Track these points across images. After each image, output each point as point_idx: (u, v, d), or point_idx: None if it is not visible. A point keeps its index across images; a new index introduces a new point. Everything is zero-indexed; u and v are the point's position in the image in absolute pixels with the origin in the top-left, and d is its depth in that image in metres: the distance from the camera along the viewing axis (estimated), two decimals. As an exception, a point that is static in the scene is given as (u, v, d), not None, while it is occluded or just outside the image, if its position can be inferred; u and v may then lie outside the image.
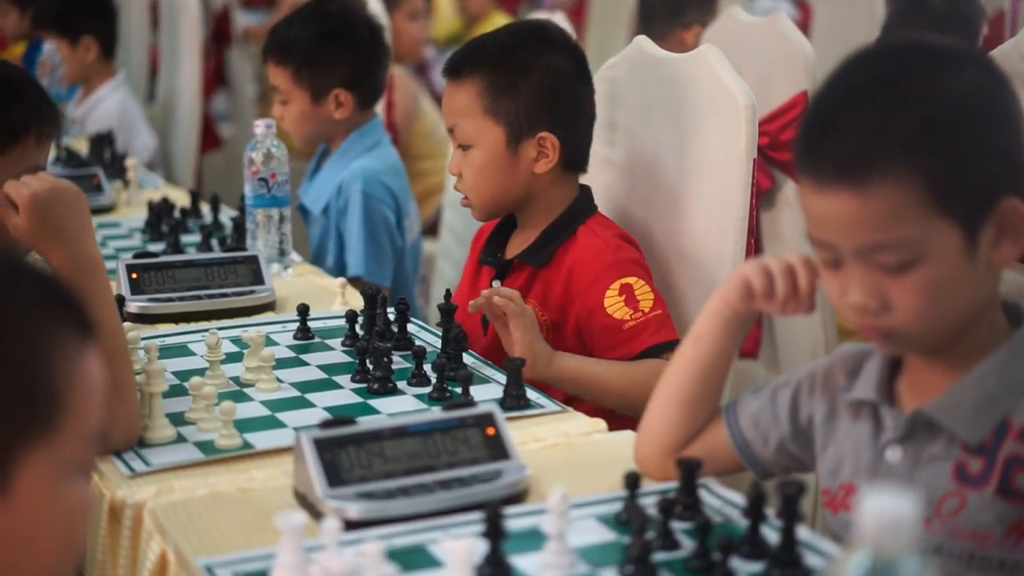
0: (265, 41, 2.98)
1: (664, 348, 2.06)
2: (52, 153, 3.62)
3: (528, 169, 2.19)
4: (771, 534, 1.37)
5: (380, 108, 3.73)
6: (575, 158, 2.22)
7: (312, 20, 2.92)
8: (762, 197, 2.87)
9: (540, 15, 4.15)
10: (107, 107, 4.27)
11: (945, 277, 1.32)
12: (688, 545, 1.38)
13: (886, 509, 0.87)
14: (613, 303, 2.10)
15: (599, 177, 2.41)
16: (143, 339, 2.01)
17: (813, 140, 1.36)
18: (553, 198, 2.22)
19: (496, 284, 2.18)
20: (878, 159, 1.30)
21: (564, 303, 2.15)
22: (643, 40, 2.40)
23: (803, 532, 1.36)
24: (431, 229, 4.15)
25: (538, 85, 2.17)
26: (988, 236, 1.33)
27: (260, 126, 2.57)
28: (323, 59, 2.87)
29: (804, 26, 5.49)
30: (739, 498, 1.48)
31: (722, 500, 1.50)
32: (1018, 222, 1.34)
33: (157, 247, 2.75)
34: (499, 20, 6.71)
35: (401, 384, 1.91)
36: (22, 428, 1.02)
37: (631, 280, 2.11)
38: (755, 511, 1.38)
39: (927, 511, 1.38)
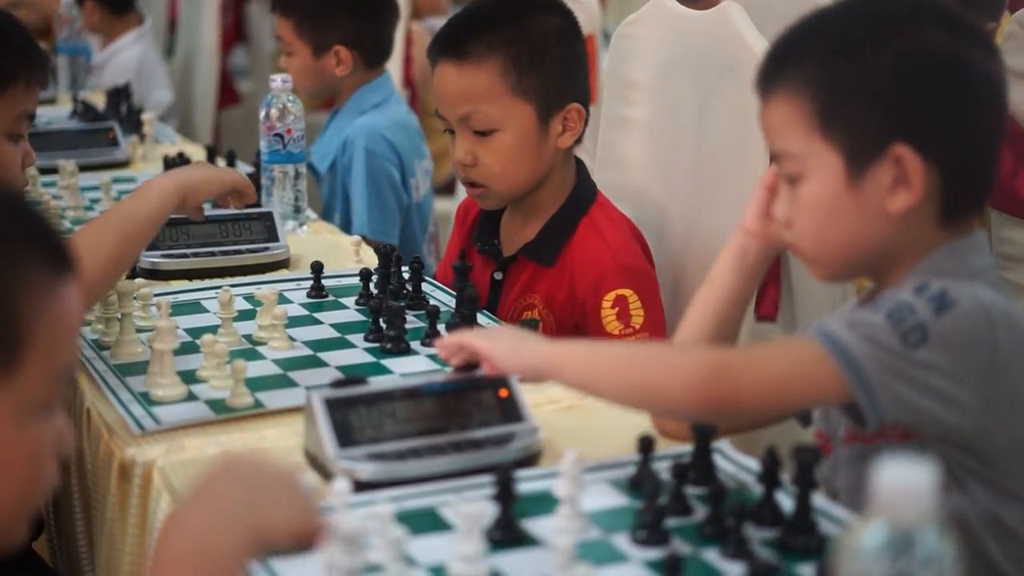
0: None
1: None
2: (68, 106, 3.62)
3: (553, 146, 2.09)
4: (786, 500, 1.35)
5: (398, 64, 3.72)
6: (585, 129, 2.14)
7: None
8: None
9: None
10: (126, 57, 4.26)
11: (823, 200, 1.39)
12: (701, 511, 1.37)
13: (903, 478, 0.85)
14: (607, 314, 2.04)
15: (616, 136, 2.39)
16: (155, 295, 2.00)
17: (764, 57, 1.47)
18: (562, 178, 2.14)
19: (498, 276, 2.15)
20: (785, 74, 1.41)
21: (569, 303, 2.08)
22: (664, -3, 2.36)
23: (818, 499, 1.35)
24: (448, 187, 4.13)
25: (559, 55, 2.08)
26: (881, 178, 1.36)
27: (276, 81, 2.55)
28: (325, 14, 2.86)
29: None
30: (754, 463, 1.46)
31: (736, 465, 1.48)
32: (910, 171, 1.35)
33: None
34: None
35: (415, 344, 1.89)
36: None
37: (626, 292, 2.04)
38: (770, 477, 1.36)
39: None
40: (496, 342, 1.50)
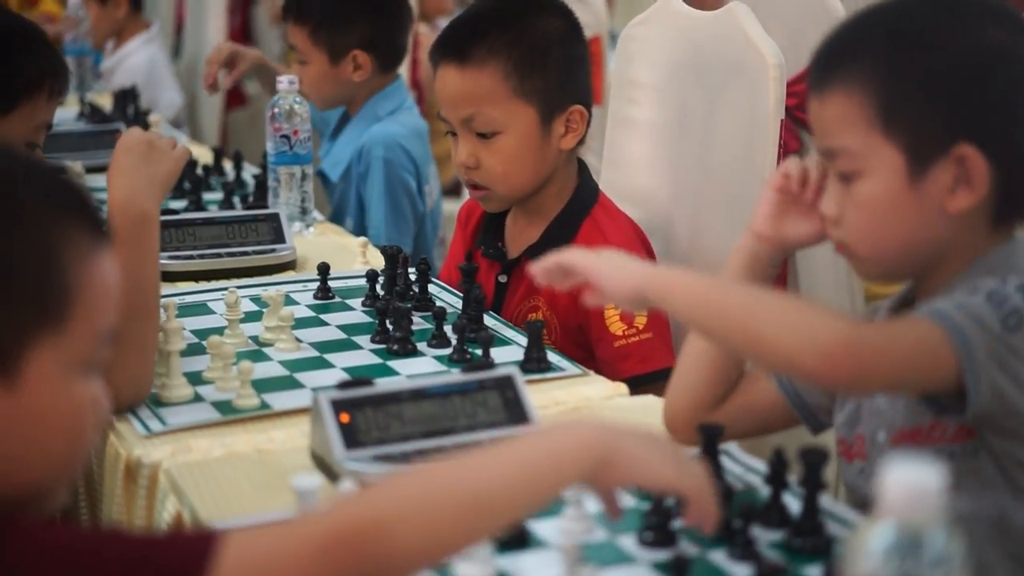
0: None
1: (649, 379, 1.97)
2: (75, 108, 3.63)
3: (556, 147, 2.08)
4: (793, 502, 1.35)
5: (405, 66, 3.72)
6: (587, 130, 2.12)
7: None
8: (789, 158, 2.83)
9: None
10: (135, 61, 4.26)
11: (883, 198, 1.36)
12: (709, 512, 1.36)
13: (911, 478, 0.85)
14: (610, 315, 2.02)
15: (623, 136, 2.38)
16: (163, 297, 2.00)
17: (815, 54, 1.44)
18: (564, 179, 2.13)
19: (502, 279, 2.14)
20: (842, 69, 1.37)
21: (571, 305, 2.05)
22: (671, -2, 2.36)
23: (825, 501, 1.34)
24: (454, 189, 4.13)
25: (561, 56, 2.07)
26: (942, 178, 1.34)
27: (283, 82, 2.54)
28: (341, 19, 2.83)
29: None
30: (761, 465, 1.46)
31: (744, 467, 1.48)
32: (973, 171, 1.34)
33: (179, 204, 2.73)
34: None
35: (421, 345, 1.89)
36: (31, 319, 1.04)
37: None
38: (777, 479, 1.36)
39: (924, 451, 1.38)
40: (600, 260, 1.42)
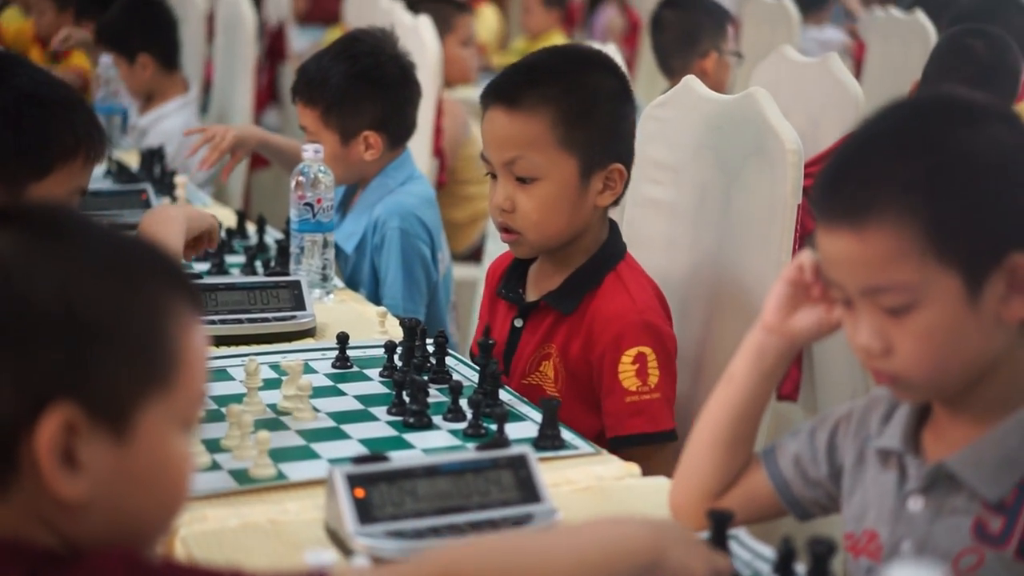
0: (294, 80, 2.96)
1: (652, 439, 2.03)
2: (103, 166, 3.67)
3: (592, 203, 2.12)
4: (800, 592, 1.36)
5: (428, 135, 3.76)
6: (624, 191, 2.17)
7: (341, 60, 2.89)
8: (806, 238, 2.86)
9: (592, 42, 4.19)
10: (171, 124, 4.27)
11: (944, 325, 1.34)
12: (716, 599, 1.37)
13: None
14: (626, 369, 2.05)
15: (642, 214, 2.41)
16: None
17: (824, 182, 1.40)
18: (595, 236, 2.17)
19: (518, 324, 2.18)
20: (877, 202, 1.33)
21: (583, 355, 2.10)
22: (692, 79, 2.40)
23: (832, 592, 1.35)
24: (475, 254, 4.16)
25: (608, 113, 2.11)
26: (996, 290, 1.33)
27: (308, 151, 2.58)
28: (352, 101, 2.85)
29: (858, 58, 5.49)
30: (769, 551, 1.47)
31: (752, 553, 1.49)
32: None
33: (202, 267, 2.76)
34: (558, 38, 6.77)
35: (437, 419, 1.91)
36: (145, 378, 1.11)
37: (647, 351, 2.05)
38: (785, 567, 1.37)
39: (944, 565, 1.38)
40: None
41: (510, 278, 2.23)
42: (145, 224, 2.20)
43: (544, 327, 2.16)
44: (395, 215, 2.81)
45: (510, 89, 2.13)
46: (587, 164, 2.10)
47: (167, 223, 2.15)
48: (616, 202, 2.17)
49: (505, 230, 2.15)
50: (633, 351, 2.06)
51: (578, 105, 2.09)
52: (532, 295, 2.20)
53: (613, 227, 2.20)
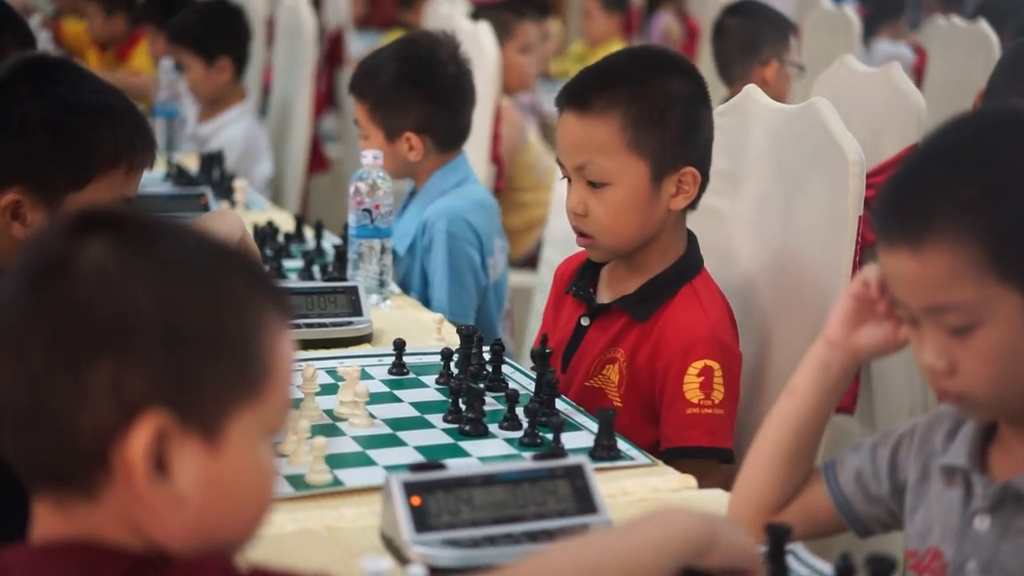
0: (352, 74, 3.00)
1: (709, 453, 2.01)
2: (162, 170, 3.70)
3: (665, 206, 2.10)
4: (859, 609, 1.35)
5: (485, 141, 3.76)
6: (700, 196, 2.16)
7: (395, 59, 2.92)
8: (867, 250, 2.84)
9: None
10: (234, 131, 4.30)
11: (1007, 343, 1.33)
12: (774, 614, 1.37)
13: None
14: (691, 381, 2.04)
15: (701, 225, 2.39)
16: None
17: (883, 202, 1.40)
18: (670, 241, 2.15)
19: (584, 322, 2.17)
20: (935, 222, 1.33)
21: (649, 364, 2.09)
22: (753, 89, 2.38)
23: (891, 609, 1.34)
24: (530, 261, 4.16)
25: (680, 117, 2.09)
26: None
27: (367, 157, 2.59)
28: (397, 102, 2.87)
29: (920, 70, 5.45)
30: (827, 567, 1.46)
31: (810, 569, 1.48)
32: None
33: (260, 271, 2.77)
34: (618, 46, 6.75)
35: (493, 427, 1.91)
36: (237, 386, 1.11)
37: (714, 365, 2.04)
38: (844, 584, 1.36)
39: None
40: None
41: (582, 277, 2.22)
42: (200, 223, 2.17)
43: (614, 330, 2.15)
44: (443, 217, 2.81)
45: (581, 92, 2.12)
46: (658, 168, 2.08)
47: (225, 229, 2.12)
48: (692, 206, 2.15)
49: (580, 234, 2.15)
50: (700, 364, 2.05)
51: (648, 109, 2.07)
52: (604, 297, 2.19)
53: (692, 240, 2.19)
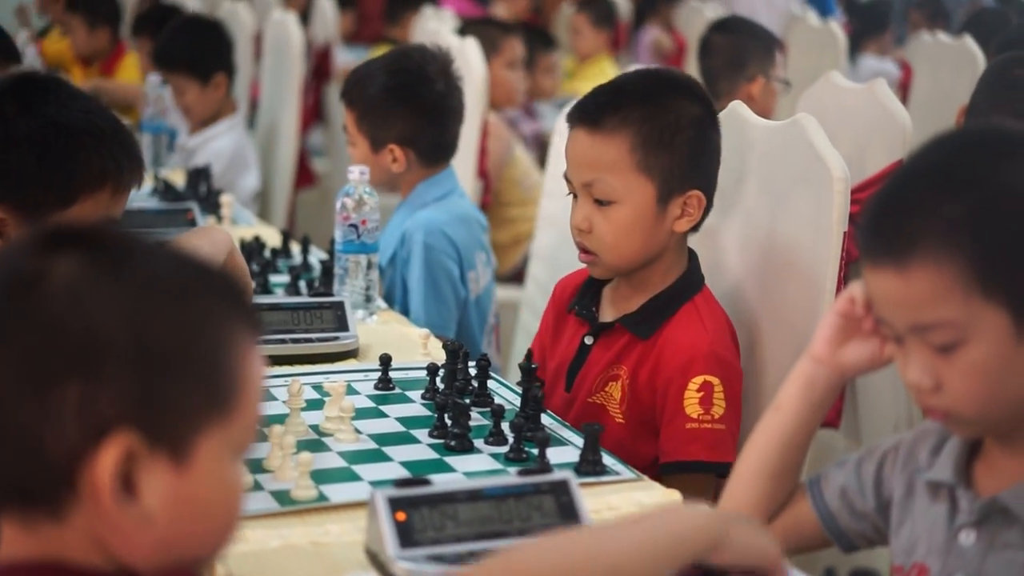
0: (344, 80, 3.03)
1: (709, 468, 2.01)
2: (149, 184, 3.69)
3: (669, 228, 2.12)
4: (843, 625, 1.35)
5: (472, 155, 3.77)
6: (704, 219, 2.17)
7: (384, 71, 2.94)
8: (852, 266, 2.85)
9: (637, 65, 4.19)
10: (221, 144, 4.29)
11: (993, 361, 1.33)
12: (758, 630, 1.37)
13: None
14: (691, 396, 2.05)
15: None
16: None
17: (867, 221, 1.41)
18: (672, 261, 2.16)
19: (588, 341, 2.17)
20: (920, 240, 1.34)
21: (650, 381, 2.11)
22: (739, 105, 2.39)
23: (875, 624, 1.34)
24: (517, 276, 4.16)
25: (690, 140, 2.11)
26: None
27: (354, 172, 2.59)
28: (382, 114, 2.89)
29: (905, 86, 5.47)
30: (812, 583, 1.46)
31: (795, 584, 1.49)
32: None
33: (245, 286, 2.77)
34: (607, 62, 6.77)
35: (478, 442, 1.91)
36: (206, 406, 1.10)
37: (714, 380, 2.05)
38: (828, 599, 1.36)
39: None
40: None
41: (584, 295, 2.23)
42: (186, 238, 2.14)
43: (616, 348, 2.16)
44: (421, 229, 2.82)
45: (593, 110, 2.13)
46: (665, 189, 2.10)
47: (211, 245, 2.10)
48: (695, 228, 2.17)
49: (583, 250, 2.16)
50: (700, 379, 2.06)
51: (659, 130, 2.09)
52: (607, 315, 2.20)
53: (693, 257, 2.20)
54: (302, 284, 2.75)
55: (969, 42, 4.50)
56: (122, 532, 1.08)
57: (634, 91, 2.15)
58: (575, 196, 2.16)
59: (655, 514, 1.37)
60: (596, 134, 2.11)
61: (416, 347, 2.36)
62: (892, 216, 1.38)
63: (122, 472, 1.06)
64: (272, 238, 3.19)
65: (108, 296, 1.08)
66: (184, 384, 1.09)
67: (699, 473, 2.03)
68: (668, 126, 2.09)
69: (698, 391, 2.05)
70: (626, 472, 1.84)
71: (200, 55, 4.33)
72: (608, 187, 2.10)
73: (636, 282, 2.18)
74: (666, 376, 2.08)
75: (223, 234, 2.08)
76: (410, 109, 2.90)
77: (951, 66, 4.58)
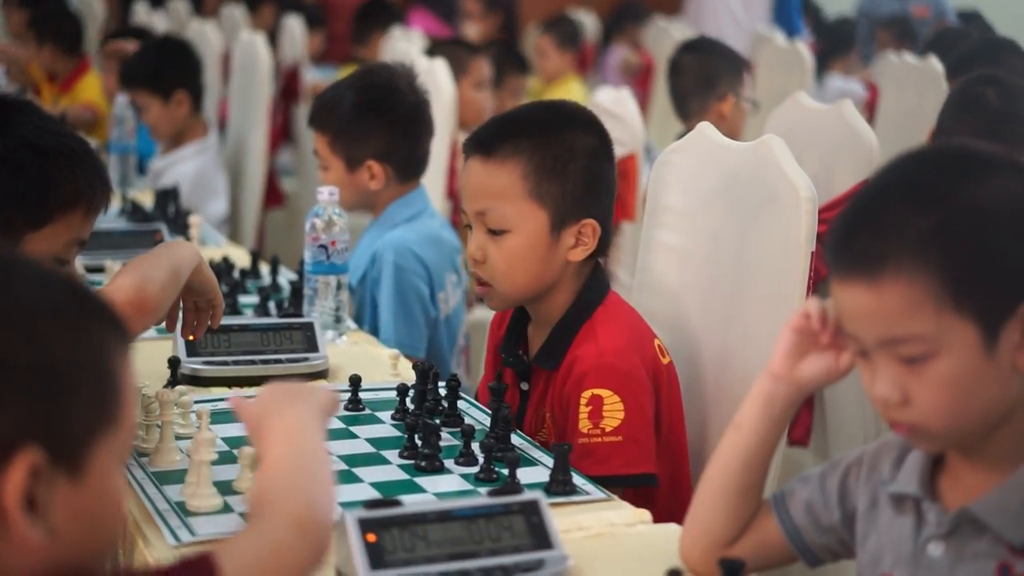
0: (311, 106, 3.04)
1: (607, 482, 1.91)
2: (117, 205, 3.68)
3: (563, 257, 2.12)
4: (812, 643, 1.36)
5: (442, 175, 3.78)
6: (605, 246, 2.16)
7: (354, 90, 2.96)
8: (820, 285, 2.86)
9: (607, 88, 4.21)
10: (184, 169, 4.29)
11: (961, 374, 1.35)
12: (728, 649, 1.37)
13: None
14: (582, 412, 2.03)
15: (654, 260, 2.42)
16: (196, 403, 2.03)
17: (837, 236, 1.42)
18: (572, 288, 2.15)
19: (524, 387, 2.17)
20: (891, 255, 1.35)
21: (562, 407, 2.09)
22: (707, 126, 2.41)
23: (844, 643, 1.35)
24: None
25: (583, 169, 2.11)
26: (1012, 338, 1.35)
27: (323, 193, 2.60)
28: (357, 131, 2.91)
29: (872, 105, 5.51)
30: (781, 601, 1.47)
31: (764, 602, 1.49)
32: None
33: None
34: (574, 83, 6.79)
35: (448, 462, 1.91)
36: (97, 417, 1.15)
37: (604, 393, 2.03)
38: (797, 617, 1.37)
39: None
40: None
41: (509, 340, 2.22)
42: (153, 252, 2.05)
43: (540, 387, 2.16)
44: (391, 249, 2.83)
45: (486, 139, 2.14)
46: (558, 218, 2.10)
47: (178, 259, 2.02)
48: (592, 257, 2.16)
49: (479, 282, 2.16)
50: (588, 393, 2.04)
51: (551, 159, 2.09)
52: (532, 356, 2.20)
53: (595, 271, 2.18)
54: (271, 305, 2.75)
55: (934, 62, 4.54)
56: (25, 548, 1.10)
57: (528, 121, 2.17)
58: (469, 227, 2.16)
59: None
60: (489, 162, 2.11)
61: (386, 367, 2.36)
62: (863, 231, 1.39)
63: (27, 491, 1.09)
64: (241, 259, 3.19)
65: (3, 318, 1.11)
66: (79, 399, 1.13)
67: (613, 486, 1.98)
68: (561, 155, 2.10)
69: (587, 405, 2.04)
70: (596, 492, 1.84)
71: (161, 72, 4.34)
72: (500, 216, 2.10)
73: (541, 316, 2.17)
74: (564, 398, 2.09)
75: (190, 248, 2.08)
76: (384, 123, 2.92)
77: (916, 86, 4.61)
